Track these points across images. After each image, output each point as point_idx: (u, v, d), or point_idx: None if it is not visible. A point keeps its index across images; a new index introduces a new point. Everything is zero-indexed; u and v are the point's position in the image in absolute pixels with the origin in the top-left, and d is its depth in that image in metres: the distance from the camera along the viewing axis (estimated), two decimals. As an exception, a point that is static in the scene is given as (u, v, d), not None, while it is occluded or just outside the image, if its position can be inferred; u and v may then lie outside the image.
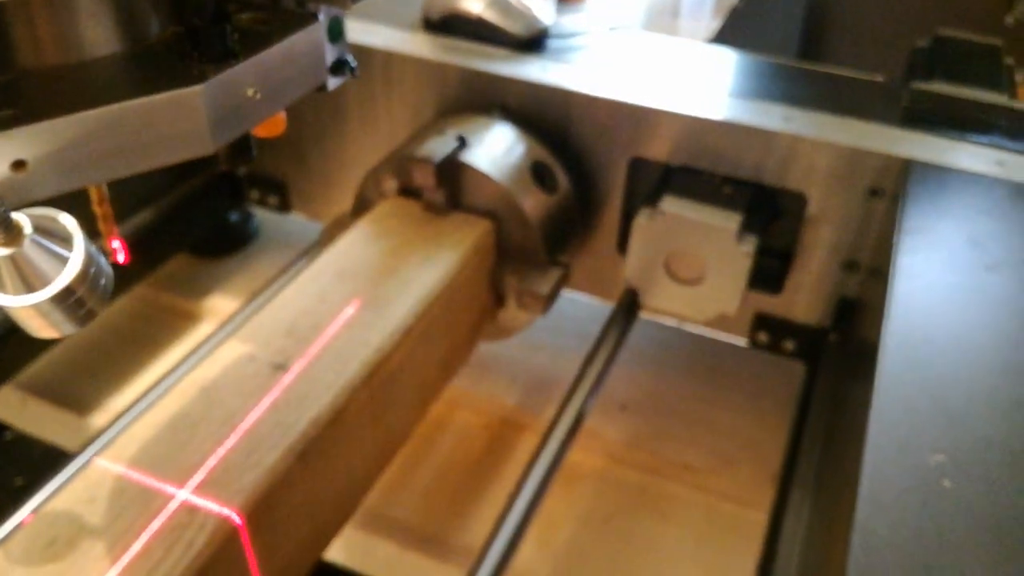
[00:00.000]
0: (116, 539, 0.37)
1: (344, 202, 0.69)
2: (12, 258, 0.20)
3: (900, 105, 0.61)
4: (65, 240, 0.21)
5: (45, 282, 0.21)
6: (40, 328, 0.22)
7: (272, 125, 0.28)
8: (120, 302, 0.78)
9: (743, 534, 0.60)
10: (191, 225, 0.80)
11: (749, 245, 0.57)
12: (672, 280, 0.61)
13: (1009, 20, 0.75)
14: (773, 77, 0.64)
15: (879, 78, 0.65)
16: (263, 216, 0.86)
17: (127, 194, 0.72)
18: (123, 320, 0.77)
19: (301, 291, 0.51)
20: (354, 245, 0.56)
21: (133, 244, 0.64)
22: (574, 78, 0.63)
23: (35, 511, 0.49)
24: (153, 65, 0.25)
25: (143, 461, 0.40)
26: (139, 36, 0.25)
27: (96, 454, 0.41)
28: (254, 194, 0.80)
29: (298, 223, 0.85)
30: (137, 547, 0.37)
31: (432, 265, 0.54)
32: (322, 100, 0.70)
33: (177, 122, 0.23)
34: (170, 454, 0.40)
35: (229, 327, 0.56)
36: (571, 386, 0.57)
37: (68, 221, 0.21)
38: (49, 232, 0.21)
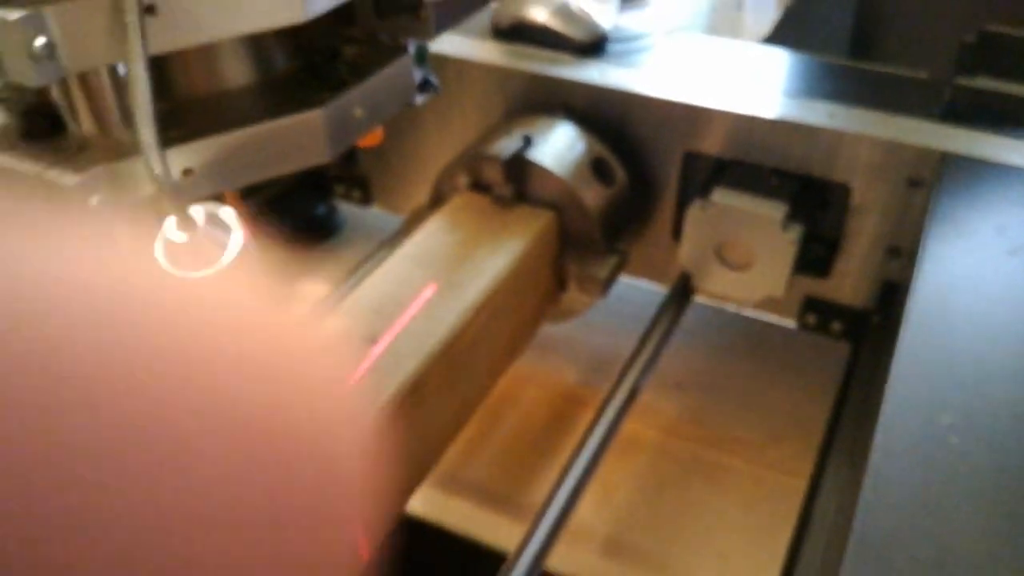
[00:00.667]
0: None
1: (421, 196, 0.75)
2: (190, 244, 0.27)
3: (942, 100, 0.65)
4: (226, 229, 0.28)
5: (212, 260, 0.27)
6: None
7: (372, 137, 0.35)
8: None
9: (788, 501, 0.65)
10: (284, 217, 0.88)
11: (794, 233, 0.61)
12: (723, 265, 0.66)
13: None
14: (820, 75, 0.68)
15: (923, 75, 0.69)
16: (347, 209, 0.94)
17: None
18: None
19: (385, 276, 0.58)
20: (431, 235, 0.62)
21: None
22: (632, 80, 0.68)
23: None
24: (282, 93, 0.31)
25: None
26: (269, 70, 0.32)
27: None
28: (340, 189, 0.88)
29: (379, 215, 0.93)
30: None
31: (500, 253, 0.60)
32: (401, 103, 0.77)
33: (302, 138, 0.30)
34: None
35: (325, 306, 0.63)
36: (626, 362, 0.62)
37: (229, 214, 0.28)
38: (215, 222, 0.28)
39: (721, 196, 0.63)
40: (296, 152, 0.30)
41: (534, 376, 0.77)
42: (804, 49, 0.74)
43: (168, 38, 0.26)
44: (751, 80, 0.68)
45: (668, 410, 0.73)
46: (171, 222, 0.27)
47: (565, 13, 0.72)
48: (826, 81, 0.68)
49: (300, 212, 0.90)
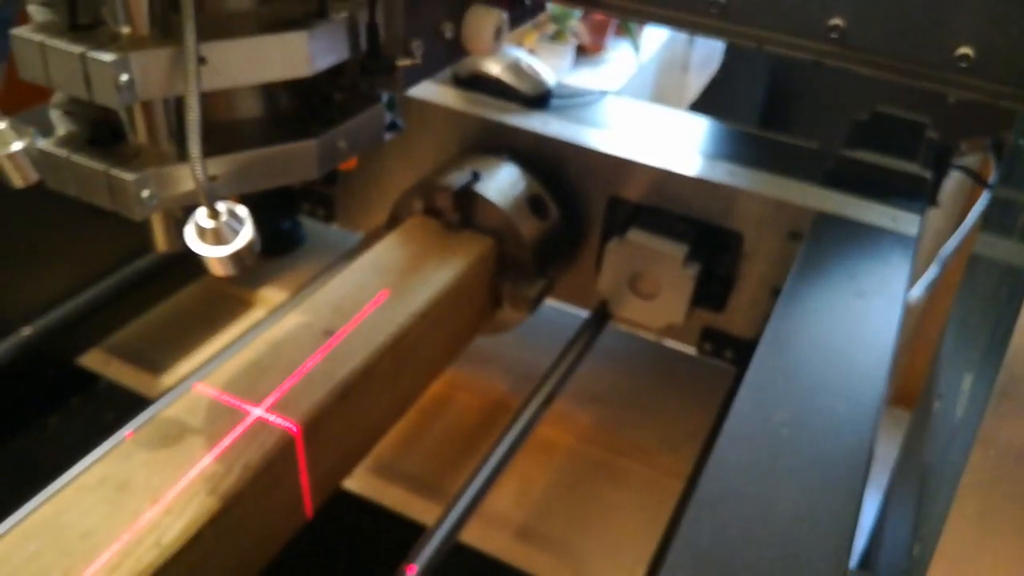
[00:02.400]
0: (211, 439, 0.53)
1: (379, 217, 0.85)
2: (214, 229, 0.36)
3: (825, 167, 0.77)
4: (240, 221, 0.37)
5: (229, 243, 0.37)
6: (219, 270, 0.38)
7: (349, 162, 0.44)
8: (191, 289, 0.95)
9: (674, 499, 0.75)
10: (251, 229, 0.97)
11: (693, 270, 0.72)
12: (634, 294, 0.77)
13: (951, 98, 0.89)
14: (727, 140, 0.81)
15: (813, 144, 0.81)
16: (310, 225, 1.03)
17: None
18: (193, 304, 0.94)
19: (346, 280, 0.68)
20: (387, 250, 0.72)
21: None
22: (569, 131, 0.79)
23: (135, 429, 0.65)
24: (286, 125, 0.41)
25: (230, 388, 0.56)
26: (279, 107, 0.41)
27: (194, 383, 0.58)
28: (306, 206, 0.97)
29: (338, 233, 1.02)
30: (225, 444, 0.53)
31: (446, 268, 0.70)
32: (368, 135, 0.87)
33: (299, 160, 0.40)
34: (249, 385, 0.57)
35: (291, 304, 0.72)
36: (545, 373, 0.73)
37: (243, 210, 0.38)
38: (233, 215, 0.37)
39: (635, 235, 0.74)
40: (293, 170, 0.40)
41: (469, 384, 0.86)
42: (723, 114, 0.86)
43: (211, 81, 0.35)
44: (669, 140, 0.79)
45: (583, 420, 0.83)
46: (202, 212, 0.36)
47: (516, 69, 0.83)
48: (731, 145, 0.80)
49: (267, 225, 0.99)
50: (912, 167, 0.80)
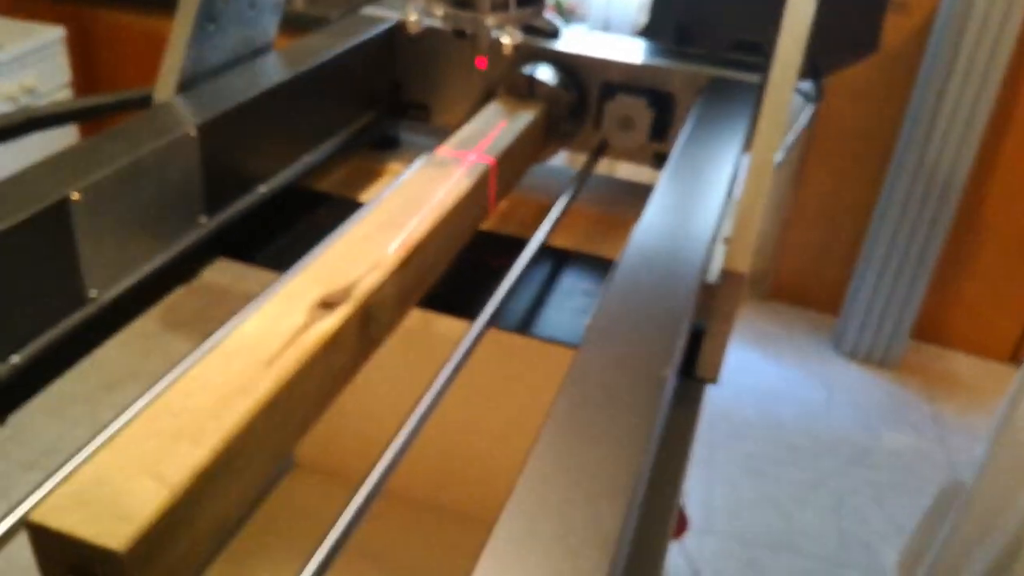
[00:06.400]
0: (456, 166, 1.16)
1: (461, 116, 1.49)
2: (512, 33, 0.99)
3: (722, 59, 1.46)
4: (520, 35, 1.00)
5: (518, 40, 1.00)
6: (510, 51, 1.00)
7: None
8: (338, 170, 1.56)
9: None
10: (369, 134, 1.59)
11: (650, 112, 1.40)
12: (620, 131, 1.43)
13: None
14: (669, 52, 1.49)
15: (716, 55, 1.50)
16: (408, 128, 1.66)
17: (349, 114, 1.51)
18: (342, 177, 1.55)
19: (480, 120, 1.32)
20: (495, 106, 1.37)
21: (349, 140, 1.46)
22: (577, 47, 1.45)
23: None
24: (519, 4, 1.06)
25: (455, 148, 1.20)
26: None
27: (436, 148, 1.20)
28: (410, 112, 1.60)
29: (419, 139, 1.65)
30: (465, 164, 1.16)
31: (525, 115, 1.35)
32: (456, 63, 1.52)
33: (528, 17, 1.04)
34: (460, 147, 1.20)
35: (454, 133, 1.34)
36: (573, 185, 1.38)
37: (518, 31, 1.00)
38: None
39: (620, 97, 1.41)
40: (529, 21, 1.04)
41: (524, 199, 1.51)
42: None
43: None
44: (634, 50, 1.47)
45: (593, 210, 1.49)
46: (511, 29, 0.99)
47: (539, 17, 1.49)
48: (670, 52, 1.48)
49: (382, 131, 1.62)
50: (760, 60, 1.50)
